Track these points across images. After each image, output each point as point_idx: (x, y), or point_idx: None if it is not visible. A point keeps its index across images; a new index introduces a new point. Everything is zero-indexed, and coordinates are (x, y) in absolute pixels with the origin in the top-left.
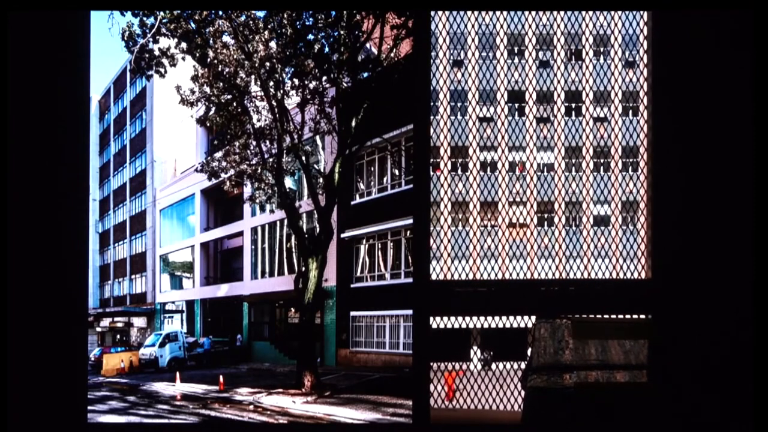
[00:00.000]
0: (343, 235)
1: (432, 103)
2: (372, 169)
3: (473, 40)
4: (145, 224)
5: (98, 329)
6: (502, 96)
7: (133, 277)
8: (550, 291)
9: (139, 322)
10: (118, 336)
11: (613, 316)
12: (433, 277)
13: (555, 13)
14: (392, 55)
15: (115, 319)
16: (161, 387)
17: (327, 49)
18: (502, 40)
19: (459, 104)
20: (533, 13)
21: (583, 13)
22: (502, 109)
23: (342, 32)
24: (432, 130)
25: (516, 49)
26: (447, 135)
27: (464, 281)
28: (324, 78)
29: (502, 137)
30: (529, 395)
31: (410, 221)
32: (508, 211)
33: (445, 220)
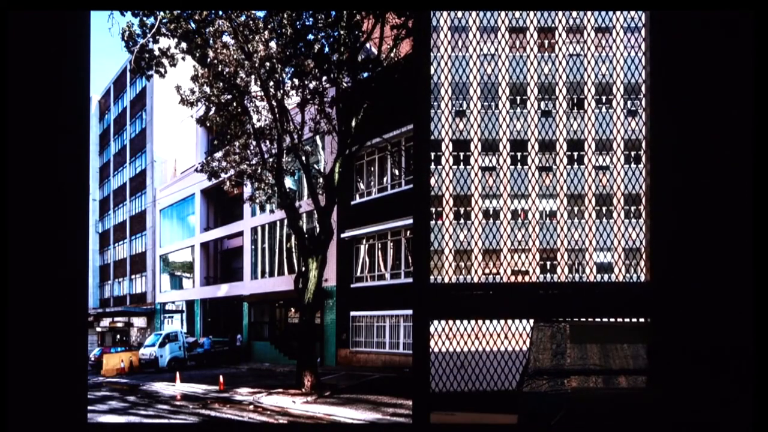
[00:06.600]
0: (343, 235)
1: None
2: (372, 169)
3: (475, 91)
4: (145, 224)
5: (98, 329)
6: (504, 146)
7: (133, 277)
8: (549, 294)
9: (139, 322)
10: (118, 336)
11: (612, 320)
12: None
13: (557, 62)
14: (392, 55)
15: (115, 319)
16: (161, 387)
17: (327, 49)
18: (504, 91)
19: (462, 154)
20: (535, 62)
21: (585, 62)
22: (504, 159)
23: (342, 32)
24: (433, 181)
25: (518, 98)
26: (449, 185)
27: (463, 284)
28: (324, 78)
29: (504, 187)
30: (526, 400)
31: (410, 221)
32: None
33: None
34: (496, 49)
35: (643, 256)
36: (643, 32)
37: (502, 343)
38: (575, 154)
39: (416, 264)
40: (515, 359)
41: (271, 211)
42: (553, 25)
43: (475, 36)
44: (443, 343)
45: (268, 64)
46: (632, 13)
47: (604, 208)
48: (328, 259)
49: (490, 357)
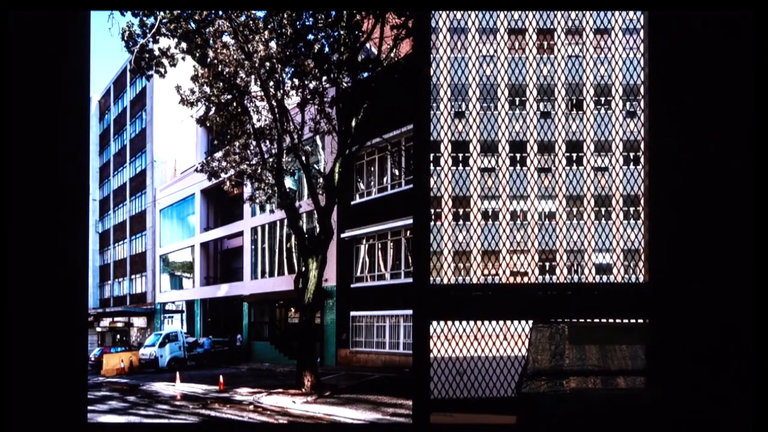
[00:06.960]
0: (343, 235)
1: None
2: (372, 169)
3: (474, 92)
4: (145, 224)
5: (98, 329)
6: (503, 148)
7: (133, 277)
8: (548, 295)
9: (139, 322)
10: (118, 336)
11: (610, 321)
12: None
13: (556, 64)
14: (392, 55)
15: (115, 319)
16: (161, 387)
17: (327, 49)
18: (503, 92)
19: (461, 155)
20: (534, 64)
21: (584, 63)
22: (504, 161)
23: (342, 32)
24: (432, 182)
25: (517, 100)
26: (448, 186)
27: (462, 285)
28: (324, 78)
29: (503, 188)
30: (524, 401)
31: (410, 221)
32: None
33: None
34: (495, 51)
35: (642, 256)
36: (641, 33)
37: (501, 344)
38: (574, 155)
39: (416, 264)
40: (515, 362)
41: (271, 211)
42: (552, 27)
43: (474, 37)
44: (441, 344)
45: (268, 64)
46: (631, 14)
47: (603, 209)
48: (328, 259)
49: (489, 359)
